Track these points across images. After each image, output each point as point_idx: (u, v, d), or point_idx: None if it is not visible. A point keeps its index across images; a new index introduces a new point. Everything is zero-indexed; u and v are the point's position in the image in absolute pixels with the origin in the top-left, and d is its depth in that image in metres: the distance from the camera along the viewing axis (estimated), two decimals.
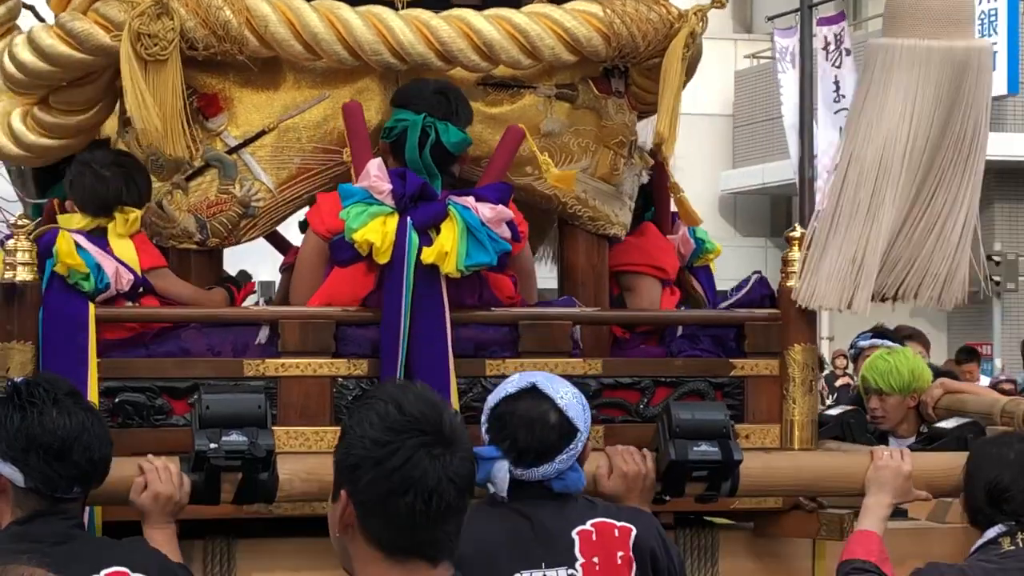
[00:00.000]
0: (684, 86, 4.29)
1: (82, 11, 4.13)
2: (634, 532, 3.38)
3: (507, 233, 4.04)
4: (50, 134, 4.27)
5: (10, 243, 3.82)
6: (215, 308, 4.17)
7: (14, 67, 4.12)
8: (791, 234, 4.28)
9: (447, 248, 3.93)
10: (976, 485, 3.91)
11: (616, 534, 3.37)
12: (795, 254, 4.24)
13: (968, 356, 13.60)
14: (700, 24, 4.29)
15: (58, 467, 3.12)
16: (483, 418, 3.43)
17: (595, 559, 3.34)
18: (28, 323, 3.82)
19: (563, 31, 4.22)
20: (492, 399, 3.44)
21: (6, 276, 3.80)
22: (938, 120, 4.10)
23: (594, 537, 3.35)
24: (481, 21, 4.18)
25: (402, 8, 4.24)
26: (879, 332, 7.42)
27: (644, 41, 4.27)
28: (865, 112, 4.13)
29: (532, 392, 3.39)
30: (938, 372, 6.39)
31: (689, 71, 4.37)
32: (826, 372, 16.32)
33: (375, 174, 4.02)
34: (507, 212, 4.05)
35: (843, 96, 18.91)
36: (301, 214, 4.45)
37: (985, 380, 12.43)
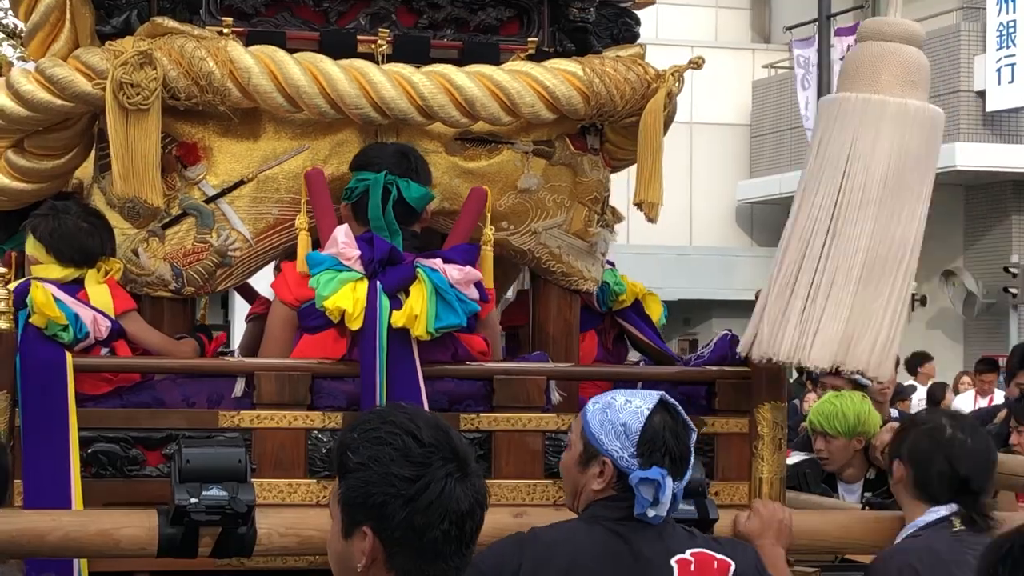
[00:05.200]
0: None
1: (62, 57, 4.12)
2: (733, 567, 3.31)
3: (475, 294, 4.06)
4: (24, 178, 4.25)
5: None
6: (185, 358, 4.15)
7: None
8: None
9: (417, 311, 3.95)
10: (933, 466, 3.88)
11: (715, 566, 3.30)
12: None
13: (988, 367, 13.61)
14: (677, 84, 4.34)
15: None
16: (620, 443, 3.29)
17: None
18: (4, 372, 3.79)
19: (543, 89, 4.25)
20: (631, 421, 3.29)
21: None
22: (892, 176, 4.07)
23: (692, 568, 3.28)
24: (462, 77, 4.20)
25: (382, 62, 4.25)
26: None
27: (622, 101, 4.30)
28: (828, 163, 4.07)
29: (663, 406, 3.33)
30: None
31: (664, 128, 4.41)
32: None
33: (343, 240, 4.02)
34: (475, 273, 4.07)
35: None
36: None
37: (1000, 394, 12.32)
